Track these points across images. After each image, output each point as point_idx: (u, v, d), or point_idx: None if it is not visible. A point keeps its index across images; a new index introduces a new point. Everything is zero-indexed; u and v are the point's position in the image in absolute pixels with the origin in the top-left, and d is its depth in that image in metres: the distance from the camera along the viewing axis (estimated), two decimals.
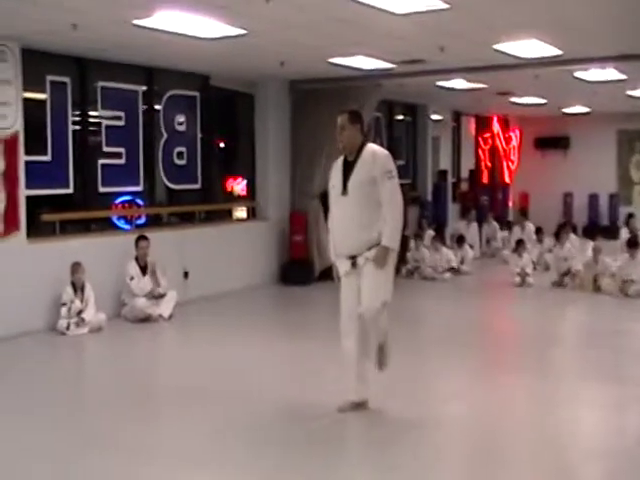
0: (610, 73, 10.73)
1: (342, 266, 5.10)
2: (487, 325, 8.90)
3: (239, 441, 4.72)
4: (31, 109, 8.07)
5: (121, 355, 7.29)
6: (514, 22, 7.24)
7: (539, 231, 13.28)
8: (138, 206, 9.67)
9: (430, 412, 5.24)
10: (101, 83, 9.02)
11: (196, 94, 10.42)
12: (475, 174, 17.75)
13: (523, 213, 15.51)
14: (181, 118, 10.20)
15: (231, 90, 11.03)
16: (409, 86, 11.82)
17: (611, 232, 16.01)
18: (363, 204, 4.96)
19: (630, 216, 14.01)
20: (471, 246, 13.35)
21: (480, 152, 17.97)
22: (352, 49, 8.60)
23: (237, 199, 11.60)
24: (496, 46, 8.34)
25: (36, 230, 8.18)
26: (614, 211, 18.20)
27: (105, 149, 9.15)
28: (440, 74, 10.59)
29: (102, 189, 9.13)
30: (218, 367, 6.59)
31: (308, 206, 11.22)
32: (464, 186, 17.42)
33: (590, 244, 11.61)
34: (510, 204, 18.52)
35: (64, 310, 7.79)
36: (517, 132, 19.25)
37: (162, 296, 8.58)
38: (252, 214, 11.46)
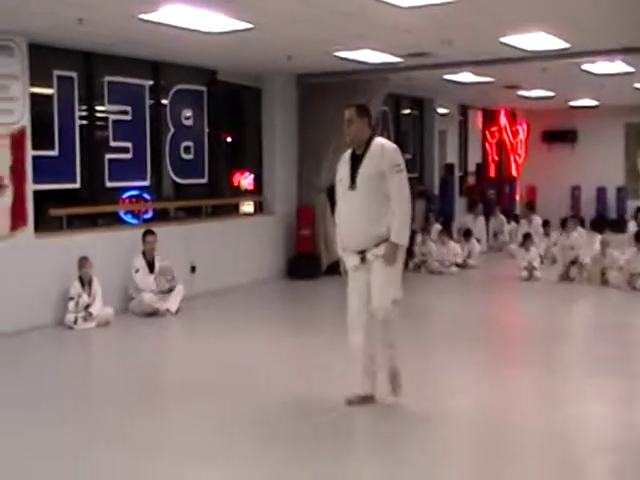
0: (618, 66, 10.68)
1: (350, 260, 5.08)
2: (494, 319, 8.89)
3: (246, 436, 4.72)
4: (38, 104, 8.08)
5: (128, 349, 7.31)
6: (521, 15, 7.21)
7: (546, 224, 13.25)
8: (145, 201, 9.69)
9: (437, 406, 5.24)
10: (108, 78, 9.02)
11: (203, 88, 10.42)
12: (482, 168, 17.70)
13: (530, 207, 15.47)
14: (188, 112, 10.20)
15: (238, 84, 11.02)
16: (416, 80, 11.78)
17: (619, 225, 15.95)
18: (371, 198, 4.94)
19: (639, 210, 13.94)
20: (478, 240, 13.34)
21: (487, 146, 17.92)
22: (358, 43, 8.58)
23: (244, 193, 11.60)
24: (503, 39, 8.30)
25: (43, 225, 8.21)
26: (622, 204, 18.14)
27: (112, 144, 9.16)
28: (447, 67, 10.55)
29: (109, 184, 9.15)
30: (225, 362, 6.60)
31: (315, 200, 11.21)
32: (471, 180, 17.37)
33: (598, 237, 11.58)
34: (517, 198, 18.47)
35: (72, 304, 7.81)
36: (524, 125, 19.18)
37: (170, 291, 8.60)
38: (259, 208, 11.47)
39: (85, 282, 7.94)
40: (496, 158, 18.18)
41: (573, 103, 16.54)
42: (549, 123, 18.79)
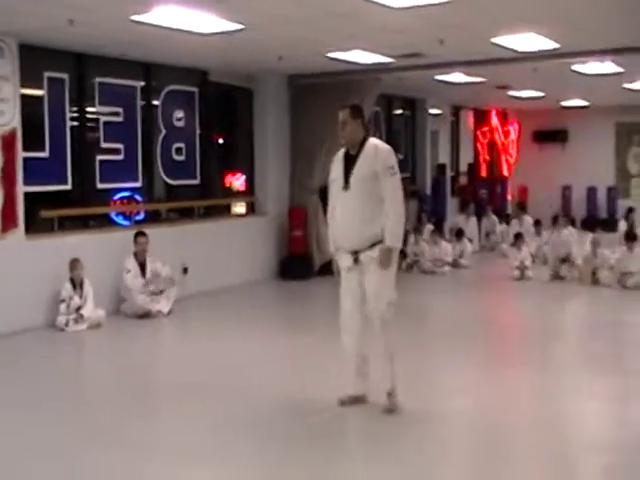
0: (608, 66, 10.72)
1: (344, 261, 5.08)
2: (488, 318, 8.90)
3: (240, 436, 4.72)
4: (29, 105, 8.04)
5: (120, 351, 7.29)
6: (513, 15, 7.23)
7: (537, 224, 13.29)
8: (137, 202, 9.66)
9: (433, 406, 5.24)
10: (99, 79, 8.99)
11: (194, 89, 10.40)
12: (474, 168, 17.74)
13: (521, 207, 15.51)
14: (179, 114, 10.18)
15: (229, 85, 11.01)
16: (408, 80, 11.80)
17: (609, 225, 16.02)
18: (365, 199, 4.93)
19: (630, 210, 14.02)
20: (470, 240, 13.37)
21: (479, 146, 17.96)
22: (350, 43, 8.58)
23: (236, 194, 11.59)
24: (494, 40, 8.32)
25: (34, 227, 8.17)
26: (612, 204, 18.21)
27: (103, 145, 9.13)
28: (439, 68, 10.56)
29: (100, 185, 9.12)
30: (218, 362, 6.59)
31: (307, 201, 11.21)
32: (463, 180, 17.41)
33: (589, 237, 11.63)
34: (509, 197, 18.51)
35: (63, 306, 7.78)
36: (515, 125, 19.23)
37: (161, 292, 8.58)
38: (251, 209, 11.46)
39: (76, 284, 7.91)
40: (488, 158, 18.23)
41: (564, 103, 16.60)
42: (540, 123, 18.85)
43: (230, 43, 8.14)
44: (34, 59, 8.09)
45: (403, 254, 11.36)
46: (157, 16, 6.80)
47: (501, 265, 12.08)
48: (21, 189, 7.83)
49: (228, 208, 11.48)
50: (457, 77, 11.70)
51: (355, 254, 4.98)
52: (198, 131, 10.48)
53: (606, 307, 9.33)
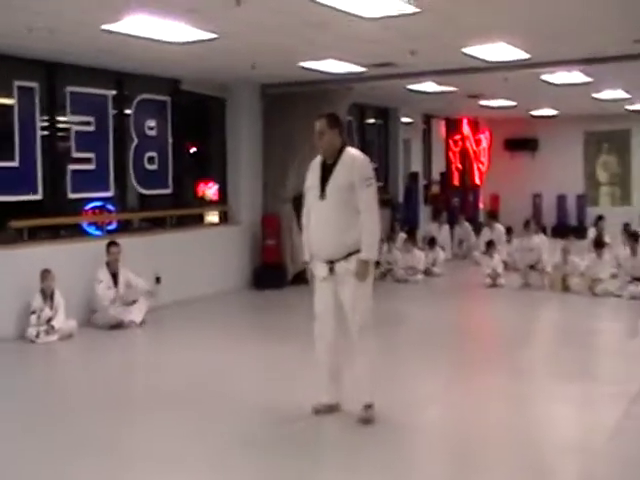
0: (576, 76, 10.89)
1: (319, 270, 5.07)
2: (460, 326, 8.96)
3: (214, 446, 4.69)
4: None
5: (93, 362, 7.21)
6: (483, 26, 7.32)
7: (509, 231, 13.41)
8: (109, 212, 9.59)
9: (406, 414, 5.25)
10: (70, 88, 8.92)
11: (167, 98, 10.36)
12: (446, 176, 17.87)
13: (491, 215, 15.64)
14: (152, 123, 10.13)
15: (202, 94, 10.99)
16: (380, 89, 11.88)
17: (579, 232, 16.22)
18: (341, 209, 4.93)
19: (599, 218, 14.21)
20: (442, 248, 13.44)
21: (451, 154, 18.09)
22: (323, 53, 8.62)
23: (209, 204, 11.55)
24: (465, 50, 8.41)
25: (4, 237, 8.08)
26: (582, 211, 18.45)
27: (74, 155, 9.05)
28: (411, 77, 10.65)
29: (72, 195, 9.03)
30: (192, 372, 6.55)
31: (280, 210, 11.20)
32: (435, 188, 17.52)
33: (560, 244, 11.77)
34: (481, 206, 18.66)
35: (33, 318, 7.68)
36: (487, 134, 19.42)
37: (134, 302, 8.52)
38: (224, 218, 11.43)
39: (47, 295, 7.81)
40: (460, 166, 18.37)
41: (534, 112, 16.81)
42: (511, 131, 19.07)
43: (203, 52, 8.13)
44: (4, 68, 8.03)
45: (377, 263, 11.38)
46: (128, 25, 6.77)
47: (473, 273, 12.17)
48: None
49: (201, 217, 11.44)
50: (429, 86, 11.80)
51: (330, 264, 4.99)
52: (171, 140, 10.44)
53: (576, 314, 9.44)
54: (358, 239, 4.92)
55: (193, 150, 11.59)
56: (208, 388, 6.00)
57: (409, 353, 7.23)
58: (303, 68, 9.48)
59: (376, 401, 5.07)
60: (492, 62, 9.12)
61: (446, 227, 14.73)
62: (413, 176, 15.94)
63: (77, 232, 9.23)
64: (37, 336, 7.62)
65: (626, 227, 12.85)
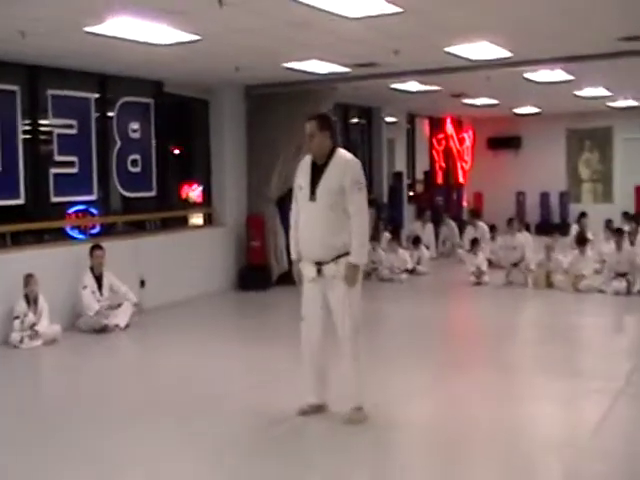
0: (558, 74, 10.96)
1: (307, 271, 5.06)
2: (445, 324, 9.00)
3: (201, 449, 4.67)
4: None
5: (78, 367, 7.16)
6: (465, 25, 7.34)
7: (492, 229, 13.47)
8: (92, 215, 9.53)
9: (392, 414, 5.26)
10: (52, 91, 8.86)
11: (150, 101, 10.31)
12: (430, 175, 17.92)
13: (474, 214, 15.71)
14: (135, 125, 10.07)
15: (185, 96, 10.95)
16: (364, 89, 11.88)
17: (562, 229, 16.31)
18: (331, 211, 4.90)
19: (582, 215, 14.31)
20: (427, 247, 13.48)
21: (434, 153, 18.15)
22: (307, 53, 8.61)
23: (193, 206, 11.51)
24: (448, 49, 8.43)
25: None
26: (564, 209, 18.57)
27: (57, 158, 8.99)
28: (394, 77, 10.66)
29: (55, 199, 8.97)
30: (177, 375, 6.53)
31: (265, 211, 11.18)
32: (419, 187, 17.57)
33: (543, 241, 11.84)
34: (465, 204, 18.73)
35: (17, 323, 7.62)
36: (470, 133, 19.49)
37: (119, 306, 8.47)
38: (208, 220, 11.39)
39: (31, 300, 7.75)
40: (443, 165, 18.43)
41: (517, 110, 16.90)
42: (494, 130, 19.16)
43: (186, 54, 8.10)
44: None
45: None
46: (111, 27, 6.73)
47: (458, 271, 12.20)
48: None
49: (185, 220, 11.39)
50: (412, 86, 11.82)
51: (319, 265, 4.98)
52: (154, 142, 10.39)
53: (560, 310, 9.49)
54: (347, 242, 4.91)
55: (177, 152, 11.55)
56: (193, 391, 5.98)
57: (394, 352, 7.23)
58: (287, 69, 9.47)
59: (362, 401, 5.07)
60: (475, 61, 9.15)
61: (430, 226, 14.76)
62: (397, 175, 15.97)
63: (60, 236, 9.16)
64: (21, 341, 7.56)
65: (608, 223, 12.95)
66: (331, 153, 5.03)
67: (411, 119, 17.06)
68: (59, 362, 7.46)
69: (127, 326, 8.41)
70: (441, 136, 18.28)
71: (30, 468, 4.51)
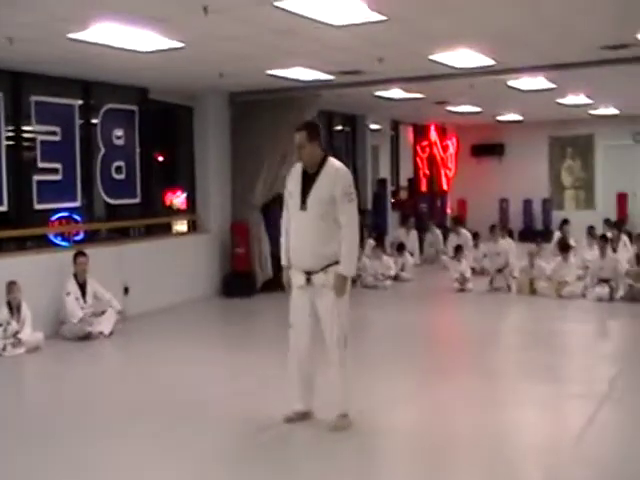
0: (540, 82, 11.06)
1: (296, 279, 5.07)
2: (429, 331, 9.02)
3: (187, 457, 4.65)
4: None
5: (61, 374, 7.12)
6: (448, 33, 7.40)
7: (476, 236, 13.53)
8: (76, 222, 9.48)
9: (376, 420, 5.27)
10: (35, 97, 8.82)
11: (134, 107, 10.28)
12: (414, 182, 17.98)
13: (457, 221, 15.77)
14: (119, 132, 10.04)
15: (170, 103, 10.93)
16: (348, 96, 11.92)
17: (545, 236, 16.41)
18: (321, 221, 4.91)
19: (564, 221, 14.42)
20: (411, 253, 13.53)
21: (418, 160, 18.22)
22: (291, 60, 8.64)
23: (177, 213, 11.48)
24: (432, 56, 8.49)
25: None
26: (547, 215, 18.70)
27: (40, 165, 8.94)
28: (378, 84, 10.71)
29: (38, 206, 8.92)
30: (162, 383, 6.50)
31: (249, 218, 11.18)
32: (403, 194, 17.63)
33: (527, 248, 11.91)
34: (449, 211, 18.82)
35: (0, 331, 7.56)
36: (454, 140, 19.59)
37: (102, 313, 8.43)
38: (193, 227, 11.37)
39: (13, 307, 7.70)
40: (427, 172, 18.50)
41: (500, 118, 17.02)
42: (477, 137, 19.28)
43: (170, 61, 8.10)
44: None
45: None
46: (94, 34, 6.72)
47: (442, 277, 12.25)
48: None
49: (169, 226, 11.36)
50: (396, 93, 11.88)
51: (308, 274, 4.98)
52: (138, 149, 10.37)
53: (543, 316, 9.54)
54: (337, 251, 4.92)
55: (161, 159, 11.52)
56: (178, 398, 5.96)
57: (379, 358, 7.24)
58: (271, 76, 9.49)
59: (348, 408, 5.07)
60: (458, 69, 9.22)
61: (414, 232, 14.81)
62: (381, 182, 16.02)
63: (44, 243, 9.11)
64: (3, 349, 7.50)
65: (590, 230, 13.05)
66: (322, 162, 5.02)
67: (395, 126, 17.12)
68: (42, 370, 7.40)
69: (111, 333, 8.37)
70: (425, 143, 18.36)
71: (12, 477, 4.47)
